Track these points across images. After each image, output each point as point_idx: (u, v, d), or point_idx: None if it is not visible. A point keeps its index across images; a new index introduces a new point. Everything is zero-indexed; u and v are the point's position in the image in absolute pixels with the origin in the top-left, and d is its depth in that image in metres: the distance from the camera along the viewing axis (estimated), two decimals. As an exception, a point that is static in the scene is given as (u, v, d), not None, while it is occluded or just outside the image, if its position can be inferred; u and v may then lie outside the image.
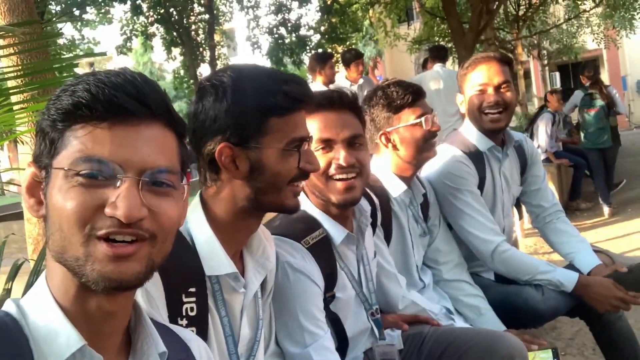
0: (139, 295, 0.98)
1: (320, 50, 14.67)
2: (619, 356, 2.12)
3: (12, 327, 0.73)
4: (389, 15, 12.60)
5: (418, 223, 2.05)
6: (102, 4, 16.51)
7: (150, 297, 1.02)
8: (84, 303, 0.75)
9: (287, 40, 17.43)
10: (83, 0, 15.31)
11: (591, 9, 13.40)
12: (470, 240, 2.13)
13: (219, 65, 16.89)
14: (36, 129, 0.78)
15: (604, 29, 16.98)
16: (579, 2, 12.89)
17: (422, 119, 1.92)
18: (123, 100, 0.74)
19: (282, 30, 17.38)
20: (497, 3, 8.88)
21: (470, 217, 2.10)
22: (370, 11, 13.02)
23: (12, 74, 2.65)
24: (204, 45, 17.71)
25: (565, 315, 2.22)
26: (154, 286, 1.03)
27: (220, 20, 19.59)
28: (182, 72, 19.09)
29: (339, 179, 1.48)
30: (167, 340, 0.86)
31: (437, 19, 11.72)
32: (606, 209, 6.30)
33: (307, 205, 1.53)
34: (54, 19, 14.58)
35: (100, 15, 17.42)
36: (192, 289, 1.10)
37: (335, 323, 1.50)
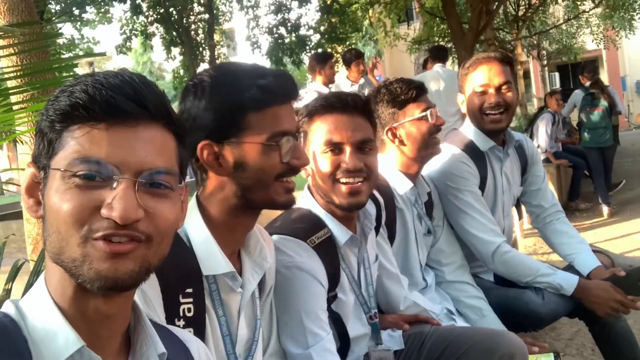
0: (136, 296, 0.98)
1: (320, 50, 14.66)
2: (618, 357, 2.12)
3: (11, 329, 0.73)
4: (388, 15, 12.62)
5: (423, 221, 2.05)
6: (102, 3, 16.51)
7: (147, 298, 1.02)
8: (81, 305, 0.75)
9: (286, 40, 17.38)
10: (83, 0, 15.30)
11: (591, 10, 13.40)
12: (471, 240, 2.12)
13: (219, 65, 16.81)
14: (36, 129, 0.78)
15: (604, 29, 17.01)
16: (579, 3, 12.91)
17: (428, 112, 1.93)
18: (120, 102, 0.73)
19: (282, 30, 17.34)
20: (496, 3, 8.88)
21: (471, 218, 2.10)
22: (370, 11, 13.04)
23: (12, 74, 2.65)
24: (203, 45, 17.67)
25: (564, 316, 2.21)
26: (151, 287, 1.03)
27: (220, 20, 19.56)
28: (181, 71, 19.01)
29: (345, 183, 1.47)
30: (166, 342, 0.86)
31: (437, 19, 11.71)
32: (605, 209, 6.29)
33: (313, 204, 1.53)
34: (54, 18, 14.58)
35: (100, 14, 17.44)
36: (189, 290, 1.10)
37: (337, 323, 1.50)
